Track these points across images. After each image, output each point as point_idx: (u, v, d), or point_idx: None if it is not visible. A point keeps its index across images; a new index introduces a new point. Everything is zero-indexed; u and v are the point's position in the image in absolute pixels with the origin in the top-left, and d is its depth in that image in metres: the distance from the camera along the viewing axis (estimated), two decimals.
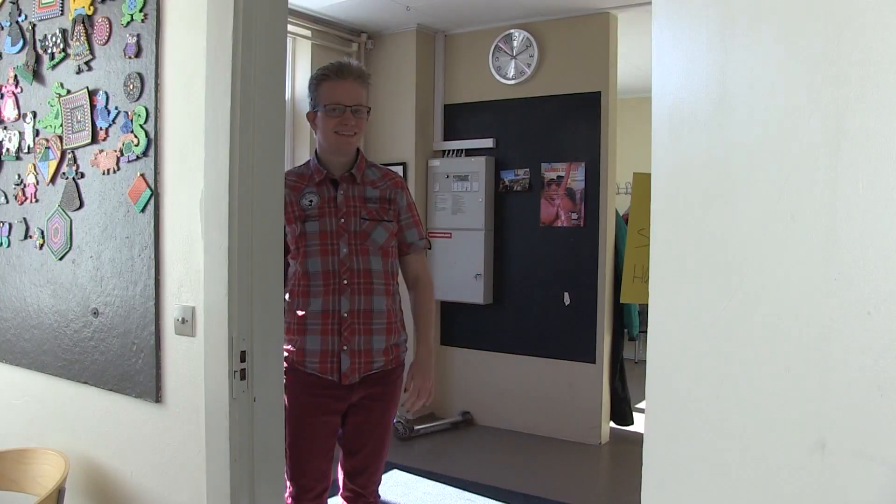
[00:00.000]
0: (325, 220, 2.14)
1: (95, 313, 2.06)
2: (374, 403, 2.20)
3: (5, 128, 2.33)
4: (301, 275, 2.13)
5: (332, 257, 2.11)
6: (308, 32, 4.50)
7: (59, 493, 1.92)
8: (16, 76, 2.28)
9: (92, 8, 2.04)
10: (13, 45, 2.28)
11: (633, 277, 2.92)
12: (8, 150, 2.32)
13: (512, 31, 4.65)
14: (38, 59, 2.22)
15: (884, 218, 0.88)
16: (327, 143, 2.17)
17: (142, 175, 1.94)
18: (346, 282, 2.11)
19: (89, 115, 2.05)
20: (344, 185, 2.18)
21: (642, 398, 4.74)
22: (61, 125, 2.14)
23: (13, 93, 2.30)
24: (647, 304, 1.12)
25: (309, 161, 2.25)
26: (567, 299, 4.56)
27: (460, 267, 4.75)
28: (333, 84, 2.13)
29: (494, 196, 4.79)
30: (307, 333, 2.12)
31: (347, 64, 2.19)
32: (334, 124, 2.12)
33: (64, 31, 2.13)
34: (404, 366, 2.28)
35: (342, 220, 2.15)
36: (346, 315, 2.11)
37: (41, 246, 2.22)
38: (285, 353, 2.11)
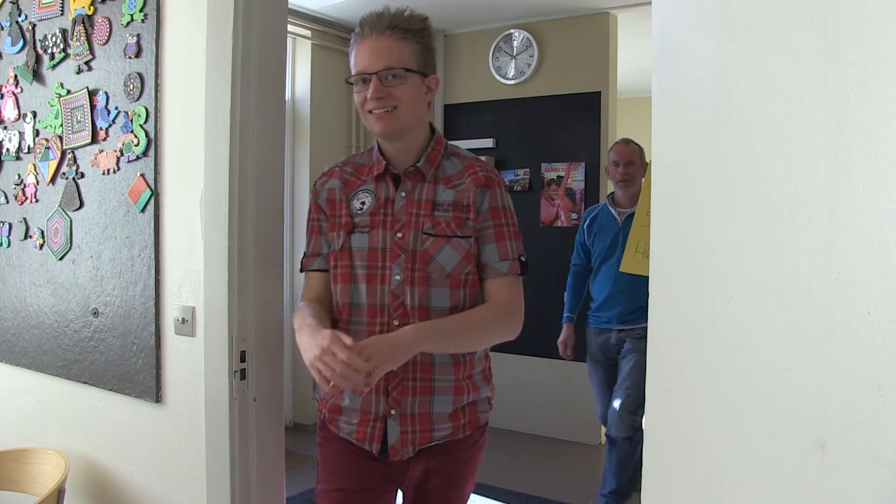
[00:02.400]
0: (378, 234, 1.54)
1: (95, 313, 2.06)
2: (438, 476, 1.59)
3: (5, 128, 2.33)
4: (340, 306, 1.55)
5: (381, 286, 1.52)
6: (308, 32, 4.50)
7: (59, 493, 1.92)
8: (16, 76, 2.28)
9: (92, 8, 2.04)
10: (13, 45, 2.28)
11: (634, 252, 3.03)
12: (8, 150, 2.32)
13: (512, 31, 4.65)
14: (38, 59, 2.21)
15: (884, 218, 0.88)
16: (367, 126, 1.59)
17: (142, 175, 1.94)
18: (397, 322, 1.50)
19: (89, 115, 2.05)
20: (408, 182, 1.57)
21: None
22: (61, 125, 2.14)
23: (13, 93, 2.30)
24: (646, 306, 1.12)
25: (373, 147, 1.65)
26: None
27: None
28: (358, 46, 1.52)
29: None
30: None
31: (378, 14, 1.51)
32: (361, 100, 1.52)
33: (64, 31, 2.13)
34: (486, 429, 1.67)
35: (399, 235, 1.53)
36: (396, 368, 1.45)
37: (41, 246, 2.21)
38: (315, 402, 1.65)
